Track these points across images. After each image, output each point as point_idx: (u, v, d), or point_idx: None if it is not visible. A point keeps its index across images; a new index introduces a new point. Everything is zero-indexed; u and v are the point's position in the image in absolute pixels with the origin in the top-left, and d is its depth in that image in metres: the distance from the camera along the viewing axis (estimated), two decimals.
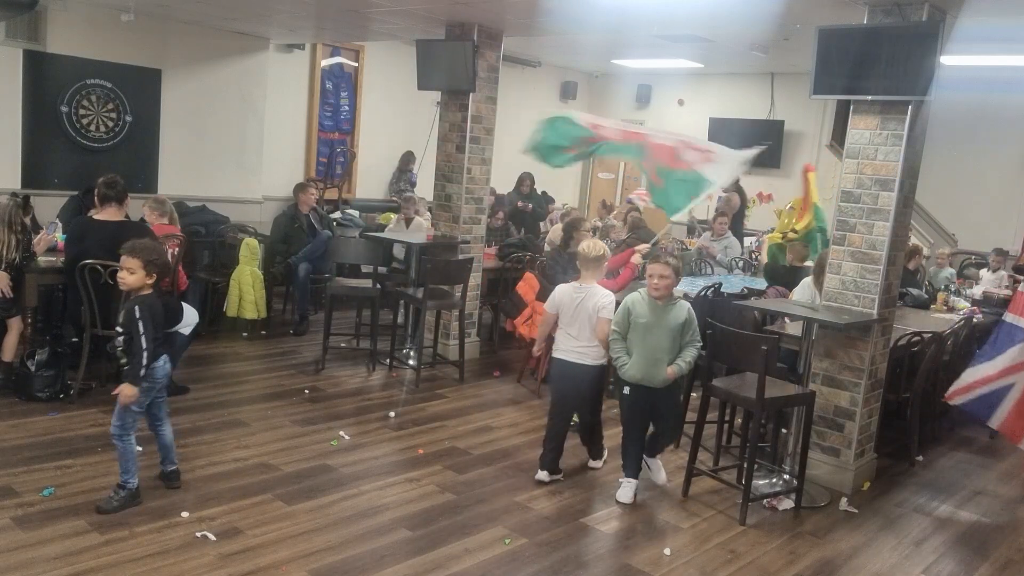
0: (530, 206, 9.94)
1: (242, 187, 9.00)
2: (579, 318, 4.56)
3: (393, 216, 8.95)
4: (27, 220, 5.31)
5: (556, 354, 4.69)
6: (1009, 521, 4.72)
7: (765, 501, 4.58)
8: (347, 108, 10.12)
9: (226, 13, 7.58)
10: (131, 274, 3.83)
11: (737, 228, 9.54)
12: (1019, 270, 8.13)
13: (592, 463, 4.99)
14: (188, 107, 8.49)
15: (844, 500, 4.72)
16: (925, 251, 8.64)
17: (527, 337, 6.42)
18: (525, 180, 10.02)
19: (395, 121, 10.39)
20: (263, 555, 3.59)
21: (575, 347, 4.58)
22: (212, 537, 3.69)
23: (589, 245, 4.67)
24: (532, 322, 6.30)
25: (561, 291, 4.67)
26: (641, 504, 4.52)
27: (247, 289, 7.11)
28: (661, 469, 4.80)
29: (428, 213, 8.18)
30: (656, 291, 4.38)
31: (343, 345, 7.21)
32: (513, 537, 3.97)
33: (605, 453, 5.04)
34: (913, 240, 7.91)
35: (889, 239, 4.69)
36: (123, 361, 3.87)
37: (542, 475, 4.68)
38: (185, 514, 3.89)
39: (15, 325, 5.29)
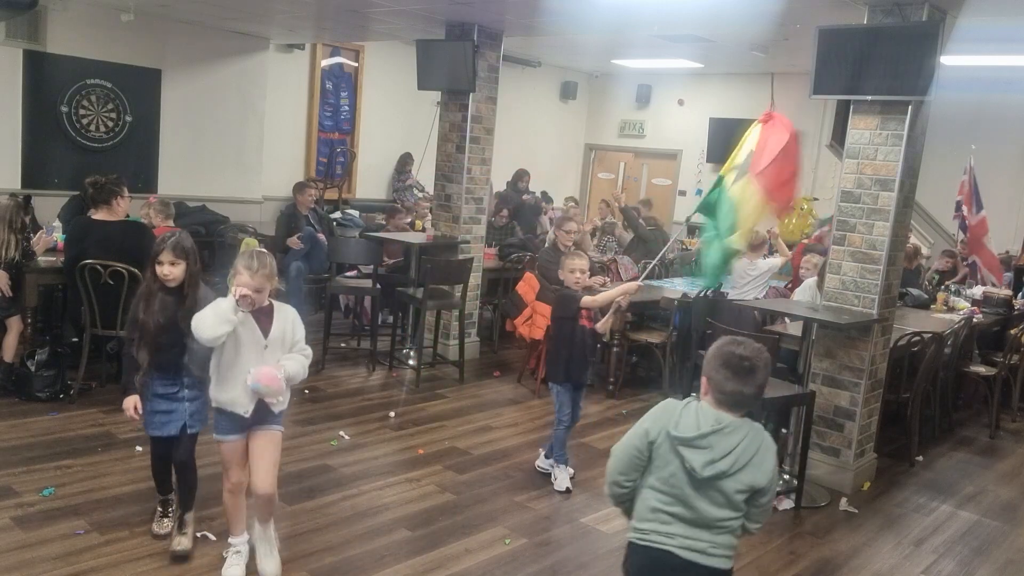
0: (531, 199, 10.02)
1: (242, 187, 9.00)
2: None
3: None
4: (27, 220, 5.31)
5: None
6: (1009, 521, 4.72)
7: None
8: (347, 108, 10.11)
9: (226, 13, 7.58)
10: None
11: None
12: (1020, 271, 8.12)
13: None
14: (188, 107, 8.49)
15: (844, 500, 4.72)
16: (925, 251, 8.63)
17: (527, 337, 6.42)
18: (524, 176, 10.07)
19: (395, 121, 10.38)
20: None
21: None
22: (212, 537, 3.69)
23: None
24: (532, 322, 6.30)
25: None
26: None
27: None
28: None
29: (428, 215, 8.17)
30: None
31: (343, 345, 7.21)
32: (513, 537, 3.97)
33: None
34: (913, 240, 7.90)
35: (889, 239, 4.69)
36: None
37: None
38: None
39: (15, 325, 5.29)
